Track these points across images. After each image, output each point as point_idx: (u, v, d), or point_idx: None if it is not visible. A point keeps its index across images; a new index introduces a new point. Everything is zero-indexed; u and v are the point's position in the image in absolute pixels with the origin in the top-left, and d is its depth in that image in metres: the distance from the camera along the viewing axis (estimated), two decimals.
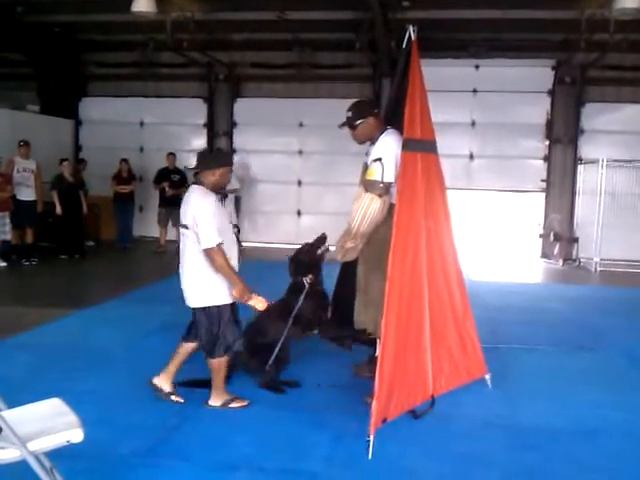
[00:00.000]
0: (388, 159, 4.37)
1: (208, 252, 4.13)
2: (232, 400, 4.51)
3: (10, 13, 11.93)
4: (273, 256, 12.70)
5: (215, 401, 4.49)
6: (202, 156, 4.56)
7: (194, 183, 4.40)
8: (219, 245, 4.12)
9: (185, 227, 4.24)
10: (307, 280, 4.99)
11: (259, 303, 4.35)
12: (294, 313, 4.86)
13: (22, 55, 13.80)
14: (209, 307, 4.29)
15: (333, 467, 3.64)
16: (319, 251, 5.08)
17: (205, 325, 4.31)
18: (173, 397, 4.56)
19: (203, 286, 4.28)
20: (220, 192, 4.41)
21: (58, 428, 2.71)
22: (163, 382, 4.56)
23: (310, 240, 5.26)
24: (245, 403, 4.52)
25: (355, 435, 3.92)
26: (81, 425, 2.73)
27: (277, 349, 4.78)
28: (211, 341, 4.32)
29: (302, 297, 4.90)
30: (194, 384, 4.70)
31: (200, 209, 4.16)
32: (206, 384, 4.52)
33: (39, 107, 13.93)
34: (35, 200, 10.64)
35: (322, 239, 5.13)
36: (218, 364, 4.40)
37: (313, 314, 4.99)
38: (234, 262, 4.34)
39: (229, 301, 4.31)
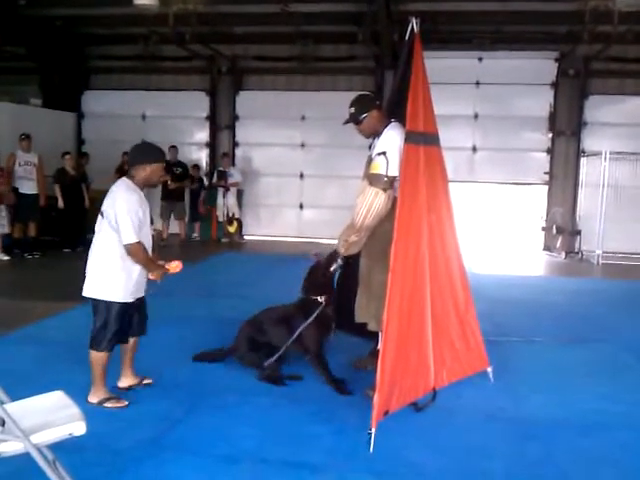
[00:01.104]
0: (392, 153, 4.35)
1: (128, 247, 4.16)
2: (109, 399, 4.32)
3: (12, 7, 11.93)
4: (276, 249, 12.74)
5: (91, 398, 4.31)
6: (135, 150, 4.54)
7: (127, 176, 4.36)
8: (139, 242, 4.16)
9: (101, 215, 4.26)
10: (322, 299, 4.81)
11: (176, 268, 4.40)
12: (297, 333, 4.77)
13: (24, 49, 13.79)
14: (100, 300, 4.25)
15: (335, 459, 3.65)
16: (332, 268, 4.84)
17: (95, 316, 4.27)
18: (145, 381, 4.65)
19: (101, 278, 4.25)
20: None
21: (61, 421, 2.72)
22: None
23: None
24: (123, 404, 4.32)
25: (357, 428, 3.92)
26: (84, 418, 2.75)
27: (277, 355, 4.78)
28: (95, 333, 4.28)
29: (312, 319, 4.76)
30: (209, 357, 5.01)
31: (121, 205, 4.15)
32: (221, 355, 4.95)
33: (41, 101, 13.94)
34: (37, 194, 10.65)
35: (334, 256, 4.85)
36: (95, 358, 4.29)
37: (315, 340, 4.82)
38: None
39: (121, 300, 4.26)
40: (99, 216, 4.31)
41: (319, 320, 4.78)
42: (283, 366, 4.94)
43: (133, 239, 4.14)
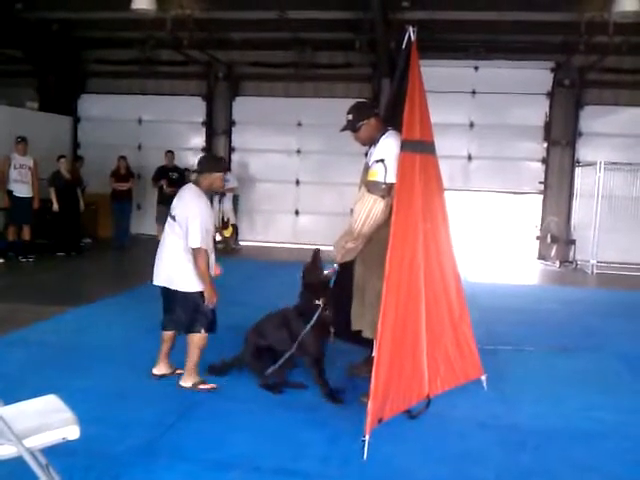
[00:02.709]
0: (390, 160, 4.36)
1: (194, 251, 4.52)
2: (202, 382, 4.75)
3: (9, 9, 11.90)
4: (271, 255, 12.74)
5: (186, 382, 4.74)
6: (204, 159, 5.08)
7: (193, 182, 4.78)
8: (204, 249, 4.51)
9: (173, 218, 4.62)
10: (320, 303, 4.76)
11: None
12: (299, 339, 4.74)
13: (21, 52, 13.77)
14: (192, 292, 4.62)
15: (329, 467, 3.65)
16: (326, 272, 4.81)
17: (191, 306, 4.64)
18: (178, 371, 4.91)
19: (187, 273, 4.60)
20: (215, 192, 4.65)
21: (54, 425, 2.71)
22: (162, 369, 4.94)
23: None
24: (214, 386, 4.75)
25: (351, 435, 3.92)
26: (77, 422, 2.74)
27: (281, 361, 4.76)
28: (194, 319, 4.66)
29: (311, 324, 4.72)
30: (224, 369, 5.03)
31: (193, 208, 4.54)
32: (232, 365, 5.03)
33: (38, 104, 13.92)
34: (32, 197, 10.62)
35: (317, 255, 4.86)
36: (198, 339, 4.68)
37: (314, 346, 4.79)
38: (212, 258, 4.73)
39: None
40: (169, 219, 4.66)
41: (317, 324, 4.76)
42: (288, 373, 4.93)
43: (199, 243, 4.48)
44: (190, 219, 4.49)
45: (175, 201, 4.73)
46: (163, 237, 4.78)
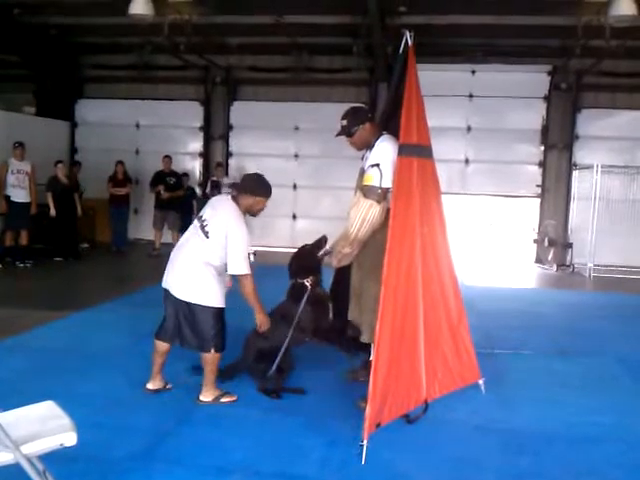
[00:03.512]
0: (386, 164, 4.36)
1: (241, 277, 4.39)
2: (222, 395, 4.62)
3: (7, 15, 11.91)
4: (268, 259, 12.72)
5: (206, 396, 4.59)
6: (251, 179, 4.76)
7: (232, 197, 4.53)
8: (251, 275, 4.39)
9: (203, 228, 4.39)
10: (308, 282, 4.88)
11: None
12: (296, 320, 4.79)
13: (18, 57, 13.76)
14: (213, 307, 4.44)
15: (327, 472, 3.64)
16: (320, 253, 4.94)
17: (210, 322, 4.43)
18: (168, 386, 4.80)
19: (209, 288, 4.42)
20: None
21: (51, 431, 2.70)
22: (156, 384, 4.75)
23: (307, 242, 5.23)
24: (234, 398, 4.63)
25: (349, 440, 3.92)
26: (75, 428, 2.73)
27: (279, 357, 4.76)
28: (210, 337, 4.45)
29: (303, 302, 4.82)
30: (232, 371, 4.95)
31: (236, 231, 4.35)
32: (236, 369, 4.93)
33: (35, 109, 13.91)
34: (29, 202, 10.61)
35: (322, 241, 5.02)
36: (214, 358, 4.51)
37: (315, 320, 4.89)
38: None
39: (223, 305, 4.51)
40: (196, 226, 4.46)
41: (312, 301, 4.81)
42: (286, 377, 4.93)
43: (246, 270, 4.35)
44: (234, 241, 4.31)
45: (209, 210, 4.50)
46: (182, 242, 4.59)
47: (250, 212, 4.58)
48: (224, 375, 4.88)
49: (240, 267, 4.33)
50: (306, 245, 5.12)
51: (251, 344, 4.98)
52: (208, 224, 4.41)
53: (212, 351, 4.47)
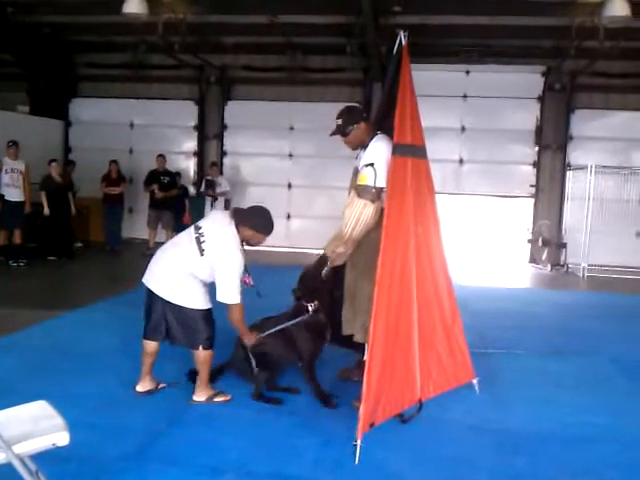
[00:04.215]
0: (380, 164, 4.37)
1: (231, 307, 4.38)
2: (216, 395, 4.62)
3: (0, 13, 11.87)
4: (263, 259, 12.70)
5: (200, 396, 4.59)
6: (257, 213, 4.67)
7: (236, 225, 4.45)
8: (241, 305, 4.38)
9: (199, 240, 4.38)
10: (311, 307, 4.75)
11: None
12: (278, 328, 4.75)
13: (12, 55, 13.70)
14: (204, 309, 4.46)
15: (320, 471, 3.64)
16: (323, 273, 4.78)
17: (199, 323, 4.44)
18: (161, 385, 4.77)
19: (195, 292, 4.43)
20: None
21: (44, 431, 2.69)
22: (146, 386, 4.72)
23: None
24: (228, 397, 4.64)
25: (342, 439, 3.91)
26: (67, 428, 2.72)
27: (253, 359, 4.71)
28: (199, 336, 4.47)
29: (300, 323, 4.76)
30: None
31: (231, 260, 4.33)
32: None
33: (29, 108, 13.86)
34: (23, 201, 10.57)
35: (323, 259, 4.83)
36: (206, 356, 4.52)
37: (308, 349, 4.78)
38: None
39: (210, 306, 4.52)
40: (192, 234, 4.43)
41: (311, 327, 4.74)
42: (278, 378, 4.90)
43: (237, 300, 4.35)
44: (227, 270, 4.30)
45: (209, 225, 4.50)
46: (171, 245, 4.59)
47: (247, 242, 4.55)
48: (212, 375, 4.81)
49: (231, 296, 4.33)
50: (309, 266, 4.97)
51: (239, 346, 4.86)
52: (205, 241, 4.37)
53: (201, 348, 4.48)
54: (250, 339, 4.59)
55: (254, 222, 4.51)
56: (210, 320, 4.51)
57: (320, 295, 4.82)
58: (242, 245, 4.46)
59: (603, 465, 3.90)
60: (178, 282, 4.41)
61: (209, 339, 4.49)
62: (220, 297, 4.33)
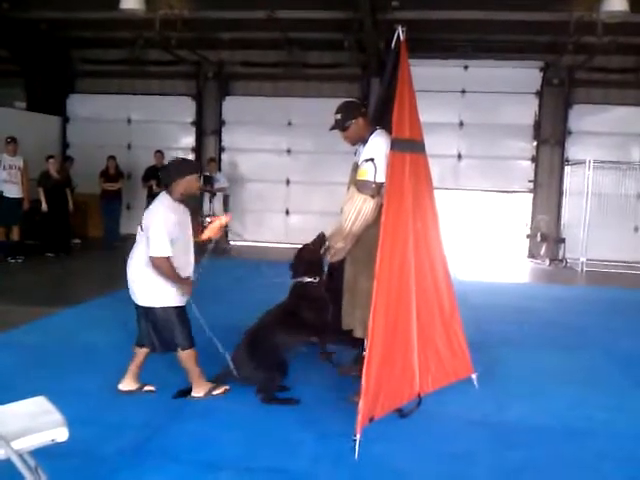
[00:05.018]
0: (380, 159, 4.37)
1: (153, 260, 4.29)
2: (214, 388, 4.63)
3: None
4: (262, 255, 12.71)
5: (198, 392, 4.59)
6: (169, 168, 4.72)
7: (167, 192, 4.50)
8: (165, 258, 4.27)
9: (141, 228, 4.42)
10: (314, 280, 4.75)
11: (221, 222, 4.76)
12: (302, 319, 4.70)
13: (8, 52, 13.69)
14: (160, 307, 4.41)
15: (320, 466, 3.65)
16: (322, 250, 4.79)
17: (170, 322, 4.42)
18: (146, 388, 4.70)
19: (153, 287, 4.40)
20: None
21: (43, 427, 2.69)
22: (129, 385, 4.68)
23: (300, 237, 5.14)
24: (227, 388, 4.67)
25: (341, 434, 3.91)
26: (66, 424, 2.72)
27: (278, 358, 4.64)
28: (173, 336, 4.45)
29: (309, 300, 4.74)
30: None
31: (155, 217, 4.33)
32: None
33: (26, 104, 13.83)
34: (21, 197, 10.56)
35: (321, 238, 4.84)
36: (186, 356, 4.50)
37: (321, 321, 4.74)
38: (189, 269, 4.51)
39: (176, 304, 4.45)
40: (139, 228, 4.46)
41: (317, 299, 4.73)
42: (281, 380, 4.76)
43: (159, 252, 4.26)
44: (153, 226, 4.29)
45: (145, 211, 4.54)
46: (134, 247, 4.57)
47: (189, 194, 4.54)
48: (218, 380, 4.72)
49: (155, 249, 4.26)
50: (307, 244, 4.94)
51: (246, 344, 4.73)
52: (143, 222, 4.43)
53: (179, 350, 4.47)
54: (186, 288, 4.42)
55: (176, 173, 4.48)
56: (182, 318, 4.46)
57: (320, 271, 4.79)
58: (180, 202, 4.46)
59: (600, 458, 3.92)
60: (143, 280, 4.41)
61: (185, 339, 4.46)
62: (150, 252, 4.28)
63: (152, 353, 4.64)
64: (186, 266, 4.49)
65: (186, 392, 4.61)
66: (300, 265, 4.85)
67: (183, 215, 4.50)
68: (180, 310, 4.46)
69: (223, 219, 4.88)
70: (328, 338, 4.80)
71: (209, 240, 4.76)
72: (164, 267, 4.29)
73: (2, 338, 5.92)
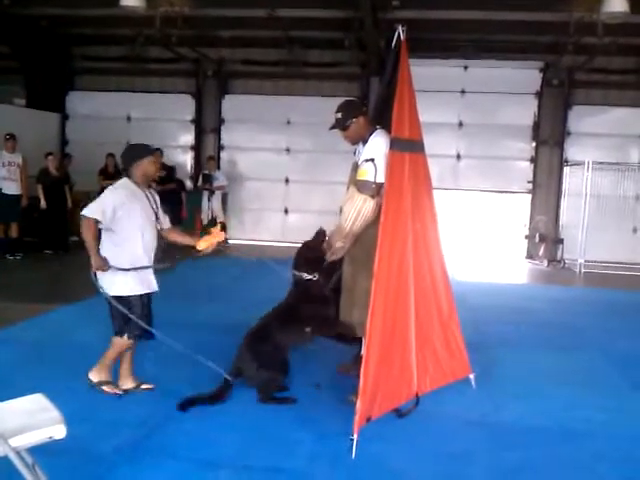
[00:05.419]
0: (380, 159, 4.36)
1: (82, 217, 4.39)
2: (107, 383, 4.59)
3: None
4: (260, 254, 12.70)
5: (93, 375, 4.60)
6: (123, 154, 4.79)
7: (128, 175, 4.62)
8: (95, 220, 4.34)
9: None
10: (316, 277, 4.71)
11: (216, 237, 4.69)
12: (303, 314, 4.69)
13: (8, 48, 13.66)
14: (123, 295, 4.45)
15: (317, 466, 3.65)
16: (324, 245, 4.74)
17: (118, 310, 4.43)
18: (143, 386, 4.69)
19: (115, 276, 4.44)
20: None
21: (41, 424, 2.69)
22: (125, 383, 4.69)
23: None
24: (117, 392, 4.57)
25: (339, 434, 3.92)
26: (64, 421, 2.72)
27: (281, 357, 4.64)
28: (118, 323, 4.52)
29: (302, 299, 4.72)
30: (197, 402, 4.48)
31: (103, 194, 4.49)
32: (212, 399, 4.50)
33: (25, 101, 13.81)
34: (20, 194, 10.55)
35: (321, 234, 4.82)
36: (117, 342, 4.55)
37: (324, 316, 4.73)
38: (145, 258, 4.50)
39: (124, 293, 4.46)
40: None
41: (321, 296, 4.71)
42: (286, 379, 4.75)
43: (89, 213, 4.34)
44: (98, 198, 4.42)
45: None
46: None
47: (149, 176, 4.67)
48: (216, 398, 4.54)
49: (87, 209, 4.36)
50: (308, 241, 4.91)
51: (248, 342, 4.69)
52: None
53: (118, 336, 4.53)
54: (97, 261, 4.42)
55: (131, 157, 4.61)
56: (131, 308, 4.44)
57: (321, 267, 4.75)
58: (147, 186, 4.64)
59: (596, 459, 3.92)
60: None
61: (129, 328, 4.48)
62: (84, 210, 4.39)
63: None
64: (141, 252, 4.49)
65: (191, 403, 4.44)
66: (301, 261, 4.82)
67: (144, 199, 4.55)
68: (127, 300, 4.44)
69: (222, 236, 4.82)
70: (330, 331, 4.78)
71: (200, 251, 4.68)
72: (85, 228, 4.39)
73: (0, 335, 5.91)
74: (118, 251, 4.44)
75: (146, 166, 4.57)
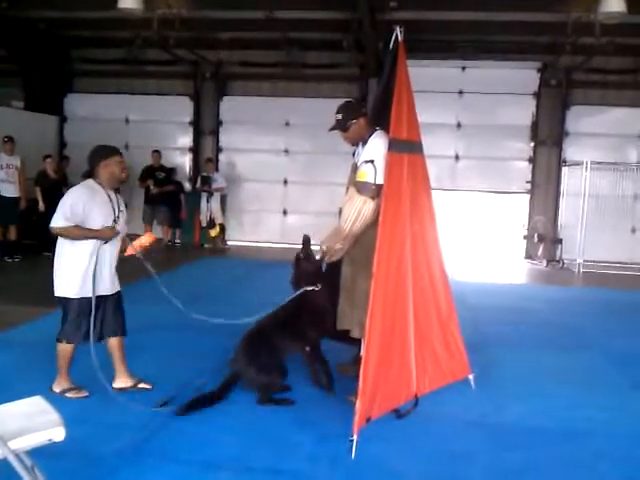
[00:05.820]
0: (380, 161, 4.36)
1: (54, 230, 4.40)
2: (70, 389, 4.56)
3: None
4: (259, 255, 12.72)
5: (55, 387, 4.56)
6: (92, 152, 4.76)
7: (93, 177, 4.61)
8: (64, 228, 4.36)
9: None
10: (315, 289, 4.69)
11: (148, 240, 4.73)
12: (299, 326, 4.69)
13: (6, 51, 13.65)
14: (59, 297, 4.53)
15: (317, 467, 3.65)
16: (317, 257, 4.73)
17: (63, 312, 4.52)
18: (141, 385, 4.71)
19: (57, 276, 4.54)
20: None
21: (40, 427, 2.69)
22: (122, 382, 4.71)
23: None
24: (83, 394, 4.54)
25: (339, 434, 3.92)
26: (63, 424, 2.72)
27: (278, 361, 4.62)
28: (61, 327, 4.56)
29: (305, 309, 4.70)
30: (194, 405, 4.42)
31: (65, 196, 4.46)
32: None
33: (23, 103, 13.80)
34: (19, 197, 10.55)
35: (307, 241, 4.81)
36: (59, 349, 4.57)
37: (318, 329, 4.75)
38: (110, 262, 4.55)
39: (75, 296, 4.48)
40: None
41: (316, 308, 4.70)
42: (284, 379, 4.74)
43: (58, 224, 4.35)
44: (59, 204, 4.37)
45: None
46: None
47: (117, 178, 4.62)
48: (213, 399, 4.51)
49: (54, 221, 4.36)
50: (298, 255, 4.86)
51: (246, 344, 4.69)
52: None
53: (57, 342, 4.55)
54: (104, 232, 4.43)
55: (96, 158, 4.60)
56: (68, 311, 4.50)
57: (317, 278, 4.73)
58: (112, 188, 4.62)
59: (597, 458, 3.92)
60: (55, 267, 4.59)
61: (63, 332, 4.54)
62: (51, 224, 4.41)
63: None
64: (104, 253, 4.49)
65: (189, 407, 4.38)
66: (299, 277, 4.80)
67: (105, 200, 4.51)
68: (74, 303, 4.47)
69: (147, 238, 4.82)
70: (314, 353, 4.77)
71: (133, 255, 4.67)
72: (65, 234, 4.40)
73: None
74: (74, 250, 4.46)
75: (112, 166, 4.55)
